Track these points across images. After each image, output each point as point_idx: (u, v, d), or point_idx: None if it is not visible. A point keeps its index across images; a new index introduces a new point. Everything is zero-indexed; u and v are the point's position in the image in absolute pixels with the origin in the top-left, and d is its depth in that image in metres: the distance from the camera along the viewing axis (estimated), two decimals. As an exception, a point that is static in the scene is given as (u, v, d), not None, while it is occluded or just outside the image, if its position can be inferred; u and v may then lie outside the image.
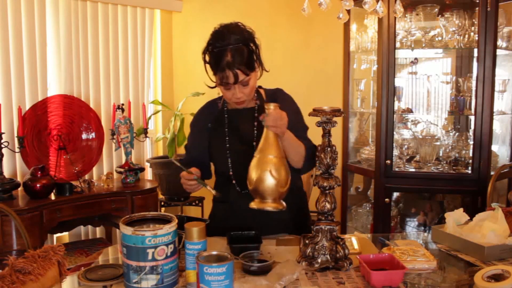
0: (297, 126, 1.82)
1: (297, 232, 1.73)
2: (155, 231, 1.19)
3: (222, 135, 1.81)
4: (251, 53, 1.68)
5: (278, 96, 1.87)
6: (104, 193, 2.85)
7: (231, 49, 1.62)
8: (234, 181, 1.78)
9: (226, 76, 1.64)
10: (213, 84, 1.76)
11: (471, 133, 2.93)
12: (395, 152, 2.99)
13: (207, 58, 1.72)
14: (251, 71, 1.68)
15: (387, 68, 2.88)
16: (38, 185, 2.58)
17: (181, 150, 3.71)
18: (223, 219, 1.80)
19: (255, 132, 1.79)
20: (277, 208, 1.47)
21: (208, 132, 1.84)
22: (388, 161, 2.92)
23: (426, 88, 3.06)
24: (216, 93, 1.86)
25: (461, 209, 1.74)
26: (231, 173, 1.78)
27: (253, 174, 1.46)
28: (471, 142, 2.87)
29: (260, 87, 1.88)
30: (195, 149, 1.89)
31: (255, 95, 1.83)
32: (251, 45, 1.69)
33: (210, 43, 1.69)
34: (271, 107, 1.47)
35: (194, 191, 1.73)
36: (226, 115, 1.84)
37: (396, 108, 2.96)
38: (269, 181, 1.43)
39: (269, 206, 1.46)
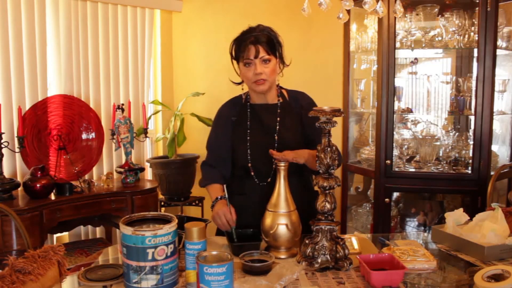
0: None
1: (308, 230, 1.73)
2: (155, 231, 1.19)
3: (244, 128, 1.87)
4: (273, 42, 1.80)
5: (301, 99, 1.95)
6: (104, 193, 2.85)
7: (256, 35, 1.77)
8: (252, 173, 1.84)
9: (247, 54, 1.75)
10: (238, 80, 1.87)
11: (471, 133, 2.93)
12: (395, 152, 2.99)
13: (233, 53, 1.83)
14: (272, 54, 1.78)
15: (387, 68, 2.88)
16: (38, 185, 2.58)
17: (181, 150, 3.71)
18: (238, 210, 1.78)
19: (278, 126, 1.85)
20: (292, 254, 1.56)
21: (232, 126, 1.90)
22: (388, 161, 2.92)
23: (426, 88, 3.06)
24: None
25: (461, 209, 1.74)
26: (249, 164, 1.83)
27: (269, 228, 1.55)
28: (471, 142, 2.87)
29: (281, 87, 1.95)
30: (218, 143, 1.93)
31: (278, 93, 1.91)
32: (274, 40, 1.82)
33: (237, 37, 1.82)
34: (282, 164, 1.58)
35: (219, 227, 1.74)
36: (249, 109, 1.90)
37: (396, 108, 2.96)
38: (287, 234, 1.53)
39: (285, 254, 1.56)
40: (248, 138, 1.85)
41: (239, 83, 1.91)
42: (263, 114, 1.88)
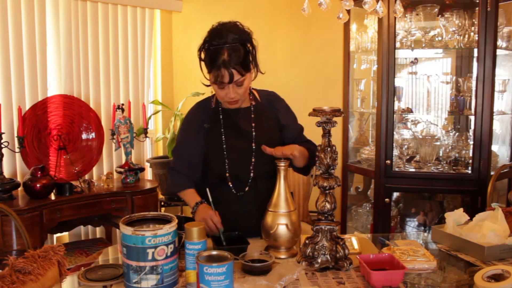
0: (300, 130, 1.90)
1: None
2: (155, 231, 1.19)
3: (218, 135, 1.78)
4: (247, 54, 1.66)
5: (275, 101, 1.87)
6: (104, 193, 2.85)
7: (228, 48, 1.60)
8: (230, 183, 1.76)
9: (221, 75, 1.61)
10: (208, 82, 1.75)
11: (471, 133, 2.93)
12: (395, 152, 2.99)
13: (202, 56, 1.70)
14: (247, 72, 1.66)
15: (387, 68, 2.88)
16: (38, 185, 2.58)
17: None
18: (227, 222, 1.74)
19: (253, 132, 1.78)
20: (292, 254, 1.55)
21: (204, 133, 1.81)
22: (388, 161, 2.93)
23: (426, 88, 3.06)
24: (210, 91, 1.85)
25: (461, 209, 1.74)
26: (227, 174, 1.76)
27: (270, 228, 1.54)
28: (471, 142, 2.87)
29: (251, 88, 1.85)
30: (189, 150, 1.84)
31: (250, 95, 1.83)
32: (248, 45, 1.67)
33: (207, 40, 1.66)
34: (282, 164, 1.56)
35: (207, 232, 1.66)
36: (221, 115, 1.81)
37: (396, 108, 2.96)
38: (287, 235, 1.53)
39: (285, 254, 1.55)
40: (224, 146, 1.76)
41: (210, 85, 1.77)
42: (237, 119, 1.79)
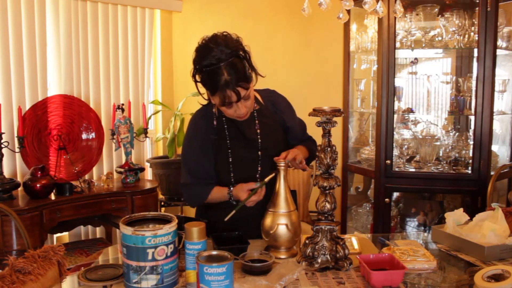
0: (303, 127, 1.90)
1: None
2: (155, 231, 1.19)
3: (224, 147, 1.74)
4: (244, 64, 1.58)
5: (277, 100, 1.85)
6: (104, 193, 2.85)
7: (226, 66, 1.52)
8: None
9: (228, 96, 1.55)
10: (205, 102, 1.73)
11: (471, 133, 2.93)
12: (395, 152, 2.99)
13: (198, 78, 1.63)
14: (250, 83, 1.60)
15: (387, 68, 2.88)
16: (38, 185, 2.58)
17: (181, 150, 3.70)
18: (227, 222, 1.71)
19: (259, 139, 1.75)
20: (292, 254, 1.55)
21: (211, 143, 1.75)
22: (388, 161, 2.93)
23: (426, 88, 3.06)
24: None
25: (461, 209, 1.74)
26: (232, 188, 1.71)
27: (269, 228, 1.54)
28: (471, 142, 2.87)
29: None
30: (199, 166, 1.76)
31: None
32: (242, 53, 1.58)
33: (198, 61, 1.59)
34: (282, 163, 1.56)
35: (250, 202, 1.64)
36: (225, 125, 1.75)
37: (396, 108, 2.96)
38: (287, 235, 1.53)
39: (285, 254, 1.55)
40: (231, 159, 1.72)
41: (208, 104, 1.74)
42: (242, 126, 1.73)
